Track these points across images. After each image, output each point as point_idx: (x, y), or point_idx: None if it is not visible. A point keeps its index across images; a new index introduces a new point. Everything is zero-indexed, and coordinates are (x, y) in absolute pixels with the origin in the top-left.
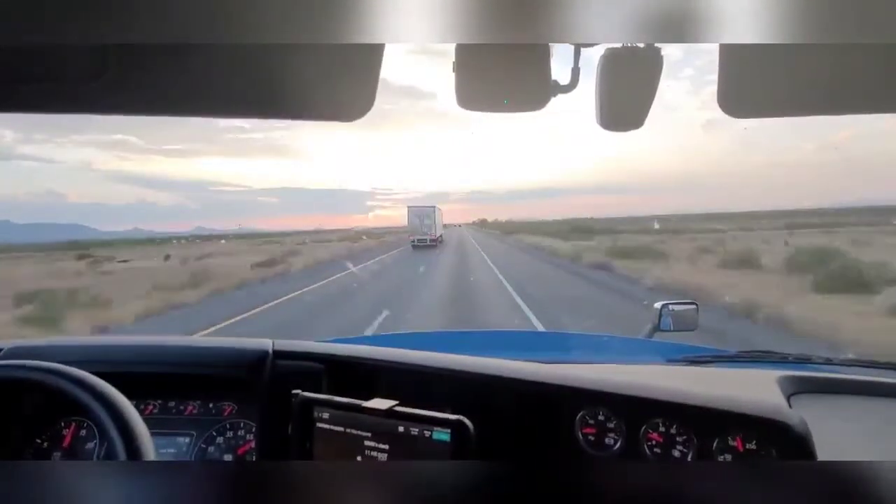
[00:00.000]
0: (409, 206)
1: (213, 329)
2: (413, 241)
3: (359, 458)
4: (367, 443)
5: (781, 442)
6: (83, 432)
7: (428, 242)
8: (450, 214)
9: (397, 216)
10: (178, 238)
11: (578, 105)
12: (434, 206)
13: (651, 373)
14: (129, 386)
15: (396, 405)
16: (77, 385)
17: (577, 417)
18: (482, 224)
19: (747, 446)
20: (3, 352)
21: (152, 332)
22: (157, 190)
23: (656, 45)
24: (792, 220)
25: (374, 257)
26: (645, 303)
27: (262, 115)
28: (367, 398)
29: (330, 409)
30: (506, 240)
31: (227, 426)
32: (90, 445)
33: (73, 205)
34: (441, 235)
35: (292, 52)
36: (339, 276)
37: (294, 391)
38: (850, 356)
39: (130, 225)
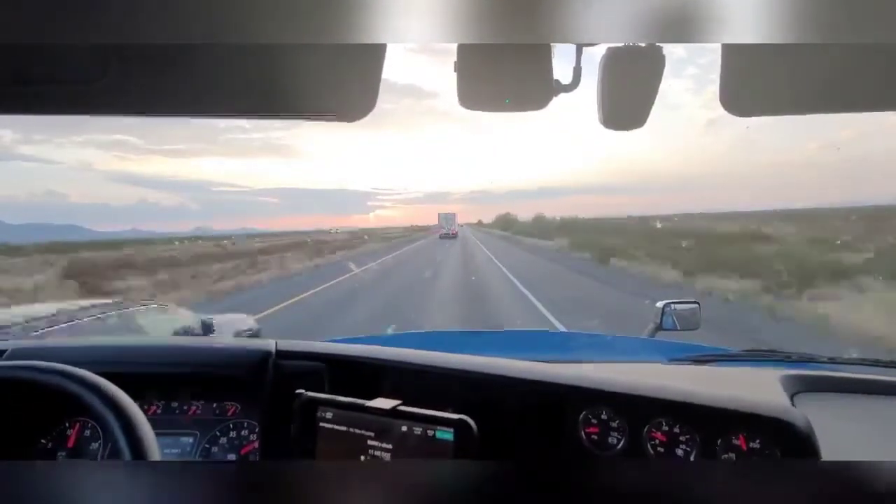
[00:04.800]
0: (438, 213)
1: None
2: (440, 234)
3: (362, 458)
4: (370, 442)
5: (785, 441)
6: (87, 432)
7: (450, 235)
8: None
9: (398, 216)
10: (180, 239)
11: (580, 104)
12: (454, 213)
13: (654, 372)
14: (133, 386)
15: (399, 405)
16: (81, 385)
17: (581, 417)
18: (507, 224)
19: (751, 445)
20: (7, 353)
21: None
22: (157, 190)
23: (658, 44)
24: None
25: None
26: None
27: (264, 116)
28: (370, 398)
29: (333, 409)
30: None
31: (231, 426)
32: (94, 446)
33: (72, 205)
34: (458, 232)
35: (294, 53)
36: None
37: (297, 391)
38: (854, 355)
39: (129, 225)
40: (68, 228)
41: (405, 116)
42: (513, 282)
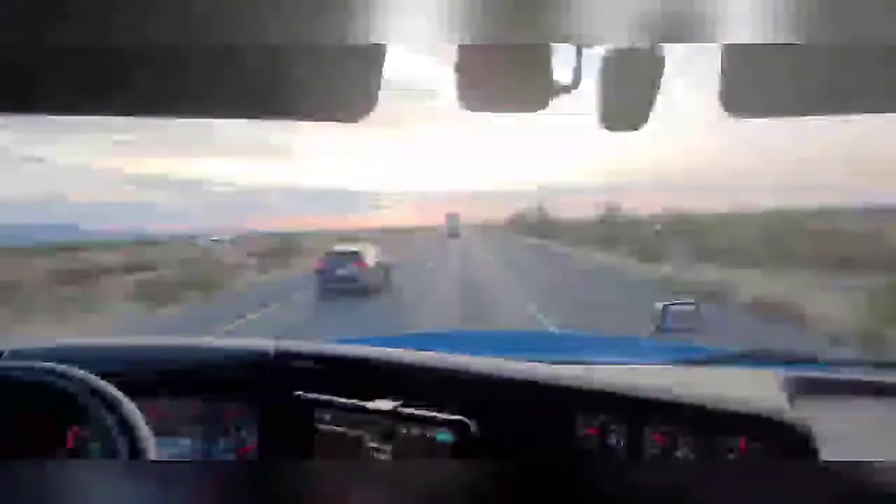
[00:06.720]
0: (446, 214)
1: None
2: (448, 233)
3: (361, 459)
4: (369, 443)
5: (784, 442)
6: (86, 433)
7: (456, 234)
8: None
9: (397, 217)
10: (179, 239)
11: (580, 105)
12: (458, 214)
13: (654, 373)
14: (132, 387)
15: (398, 406)
16: (79, 386)
17: (580, 418)
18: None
19: (751, 447)
20: (5, 353)
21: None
22: (155, 190)
23: (658, 45)
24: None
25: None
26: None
27: (264, 117)
28: (369, 399)
29: (332, 410)
30: None
31: (230, 427)
32: (93, 447)
33: (70, 205)
34: (459, 231)
35: (294, 53)
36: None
37: (296, 392)
38: (854, 357)
39: (123, 226)
40: (66, 229)
41: (405, 116)
42: None
